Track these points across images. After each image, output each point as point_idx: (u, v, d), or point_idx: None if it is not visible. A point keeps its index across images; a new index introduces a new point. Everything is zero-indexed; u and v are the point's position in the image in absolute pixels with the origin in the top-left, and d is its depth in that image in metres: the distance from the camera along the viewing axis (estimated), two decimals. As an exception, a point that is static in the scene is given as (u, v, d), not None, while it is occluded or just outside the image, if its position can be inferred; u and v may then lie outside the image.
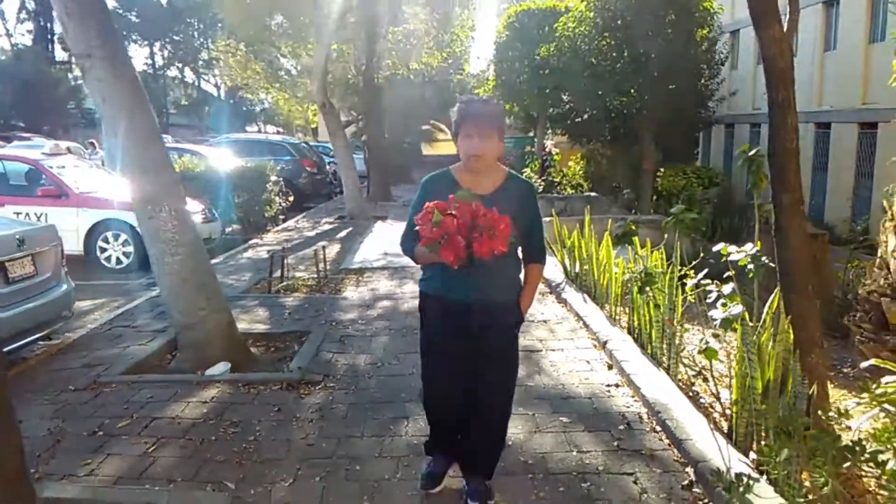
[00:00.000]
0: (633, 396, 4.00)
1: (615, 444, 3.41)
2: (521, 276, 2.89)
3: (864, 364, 3.55)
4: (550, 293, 6.67)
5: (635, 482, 3.04)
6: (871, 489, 2.68)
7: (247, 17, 13.14)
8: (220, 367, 4.53)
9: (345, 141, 14.36)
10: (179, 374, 4.48)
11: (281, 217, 13.24)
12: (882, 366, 3.29)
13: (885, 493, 2.08)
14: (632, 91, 12.34)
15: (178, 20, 48.46)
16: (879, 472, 2.09)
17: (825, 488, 2.08)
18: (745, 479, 2.39)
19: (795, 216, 3.51)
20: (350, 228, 12.33)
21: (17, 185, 9.40)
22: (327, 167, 19.98)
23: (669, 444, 3.37)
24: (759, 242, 3.56)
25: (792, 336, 3.13)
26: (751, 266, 3.42)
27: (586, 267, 6.30)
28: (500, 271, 2.72)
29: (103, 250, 8.93)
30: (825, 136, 14.76)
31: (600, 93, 12.60)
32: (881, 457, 2.09)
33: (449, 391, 2.89)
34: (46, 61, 41.88)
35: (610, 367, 4.52)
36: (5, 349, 4.31)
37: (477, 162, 2.68)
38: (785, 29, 3.56)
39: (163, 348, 5.02)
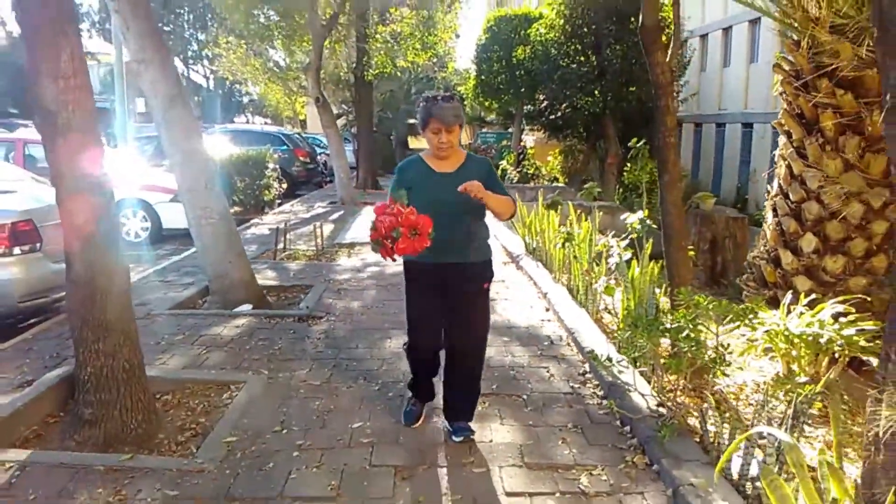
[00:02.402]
0: (559, 325, 5.34)
1: (539, 352, 4.75)
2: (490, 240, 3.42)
3: (741, 307, 4.89)
4: (511, 262, 7.99)
5: (547, 371, 4.37)
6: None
7: (242, 12, 14.28)
8: (245, 307, 5.79)
9: (337, 133, 15.59)
10: (213, 310, 5.75)
11: (277, 202, 14.48)
12: (750, 305, 4.62)
13: (684, 349, 3.38)
14: (596, 92, 13.67)
15: (168, 10, 49.11)
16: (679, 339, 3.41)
17: (645, 348, 3.40)
18: (609, 357, 3.73)
19: (672, 191, 4.83)
20: (341, 212, 13.60)
21: (44, 167, 10.57)
22: (318, 157, 21.18)
23: (576, 352, 4.71)
24: (646, 210, 4.90)
25: (656, 271, 4.45)
26: (638, 227, 4.76)
27: (538, 238, 7.62)
28: (472, 237, 3.26)
29: (123, 225, 10.13)
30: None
31: (568, 93, 13.92)
32: (679, 331, 3.41)
33: (428, 335, 3.36)
34: (40, 50, 42.37)
35: (547, 310, 5.85)
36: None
37: (445, 152, 3.21)
38: (668, 56, 4.87)
39: (195, 295, 6.29)
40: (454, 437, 3.40)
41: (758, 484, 2.69)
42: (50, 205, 5.86)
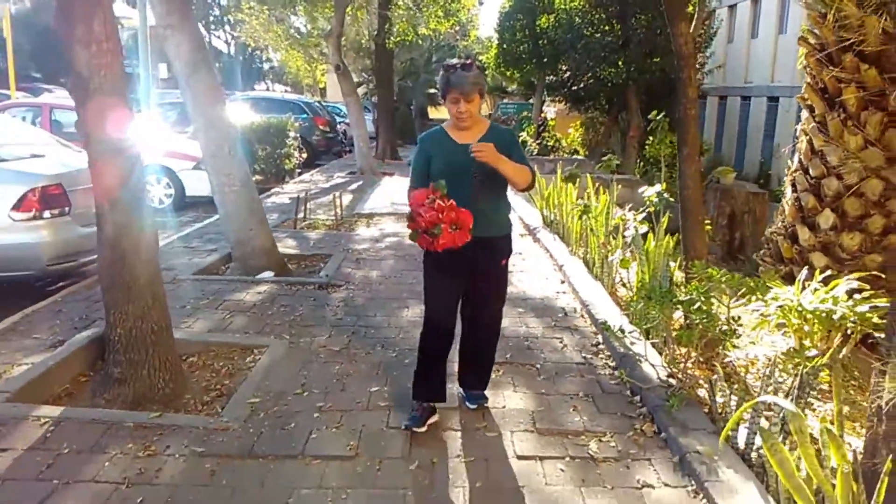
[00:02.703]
0: (573, 298, 5.41)
1: (553, 323, 4.83)
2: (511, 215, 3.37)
3: (753, 281, 4.92)
4: (528, 234, 8.05)
5: (561, 342, 4.46)
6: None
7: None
8: (267, 274, 5.93)
9: (358, 102, 15.59)
10: (236, 276, 5.90)
11: (297, 171, 14.58)
12: (763, 279, 4.66)
13: (696, 321, 3.45)
14: (619, 63, 13.53)
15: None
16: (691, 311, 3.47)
17: (657, 319, 3.47)
18: (622, 328, 3.80)
19: (691, 164, 4.83)
20: (360, 182, 13.67)
21: (70, 132, 10.73)
22: (338, 126, 21.20)
23: (590, 324, 4.79)
24: (664, 184, 4.92)
25: (671, 244, 4.49)
26: (655, 200, 4.79)
27: (556, 211, 7.66)
28: (495, 211, 3.20)
29: (147, 191, 10.30)
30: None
31: (591, 63, 13.78)
32: (692, 303, 3.47)
33: (446, 312, 3.27)
34: (63, 15, 42.53)
35: (562, 282, 5.92)
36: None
37: (464, 122, 3.15)
38: (692, 26, 4.84)
39: (218, 261, 6.43)
40: (468, 404, 3.51)
41: (762, 452, 2.76)
42: (78, 169, 6.01)
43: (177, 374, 3.76)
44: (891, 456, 2.17)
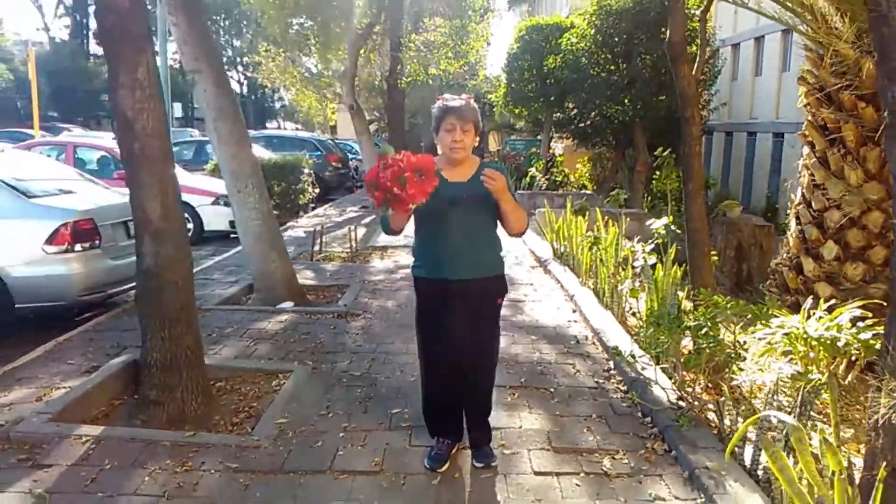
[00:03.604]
0: (585, 326, 5.58)
1: (565, 350, 5.00)
2: (502, 253, 3.27)
3: (757, 307, 5.08)
4: (539, 266, 8.24)
5: (573, 367, 4.62)
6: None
7: (280, 22, 14.74)
8: (288, 304, 6.13)
9: (370, 140, 15.99)
10: (258, 306, 6.11)
11: (311, 206, 14.90)
12: (768, 305, 4.83)
13: (703, 345, 3.62)
14: (626, 101, 13.86)
15: (204, 17, 50.06)
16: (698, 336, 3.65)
17: (667, 344, 3.64)
18: (633, 353, 3.97)
19: (697, 198, 5.05)
20: (373, 216, 13.93)
21: (93, 170, 11.10)
22: (350, 163, 21.64)
23: (602, 351, 4.96)
24: (671, 217, 5.13)
25: (679, 274, 4.68)
26: (663, 232, 4.99)
27: (566, 243, 7.86)
28: (485, 250, 3.13)
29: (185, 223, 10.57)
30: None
31: (597, 102, 14.12)
32: (699, 329, 3.65)
33: (444, 362, 3.21)
34: (82, 55, 44.08)
35: (574, 311, 6.10)
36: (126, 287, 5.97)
37: (458, 152, 3.02)
38: (694, 68, 5.10)
39: (240, 292, 6.65)
40: (475, 462, 3.29)
41: (767, 468, 2.91)
42: (107, 205, 6.30)
43: (208, 396, 3.95)
44: (884, 464, 2.32)
